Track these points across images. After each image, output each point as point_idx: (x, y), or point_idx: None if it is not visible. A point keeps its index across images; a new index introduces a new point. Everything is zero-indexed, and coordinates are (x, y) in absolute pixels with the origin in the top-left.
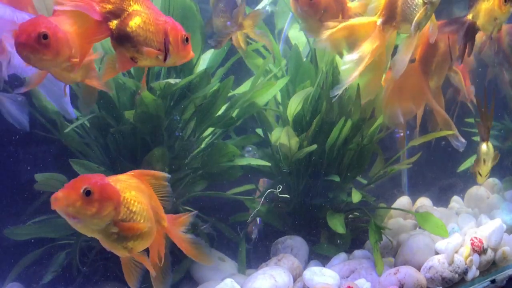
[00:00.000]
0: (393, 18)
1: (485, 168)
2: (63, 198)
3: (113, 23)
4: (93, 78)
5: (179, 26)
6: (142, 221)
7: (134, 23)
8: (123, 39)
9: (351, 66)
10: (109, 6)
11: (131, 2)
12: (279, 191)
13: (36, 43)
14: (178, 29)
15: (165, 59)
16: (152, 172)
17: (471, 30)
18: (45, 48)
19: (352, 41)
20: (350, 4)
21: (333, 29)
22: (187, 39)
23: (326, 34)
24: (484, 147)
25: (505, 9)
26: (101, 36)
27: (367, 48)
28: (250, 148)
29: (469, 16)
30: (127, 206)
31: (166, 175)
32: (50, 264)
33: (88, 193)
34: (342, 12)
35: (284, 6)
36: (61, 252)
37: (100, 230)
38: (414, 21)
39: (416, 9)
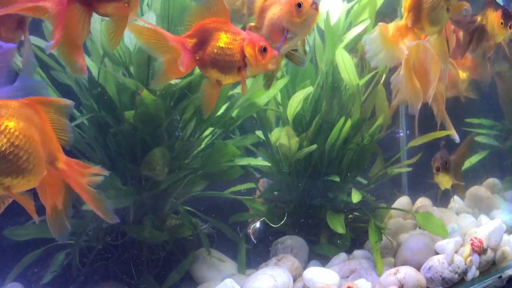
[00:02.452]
0: (419, 19)
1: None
2: None
3: (198, 54)
4: None
5: (256, 38)
6: (25, 157)
7: (215, 50)
8: (208, 66)
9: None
10: (194, 40)
11: (211, 31)
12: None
13: None
14: (254, 42)
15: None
16: (51, 99)
17: (479, 31)
18: None
19: (391, 51)
20: None
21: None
22: (265, 49)
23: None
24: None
25: (501, 31)
26: (189, 68)
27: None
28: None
29: (479, 18)
30: (7, 136)
31: (69, 102)
32: (50, 264)
33: None
34: None
35: None
36: (61, 252)
37: None
38: (440, 23)
39: (441, 10)
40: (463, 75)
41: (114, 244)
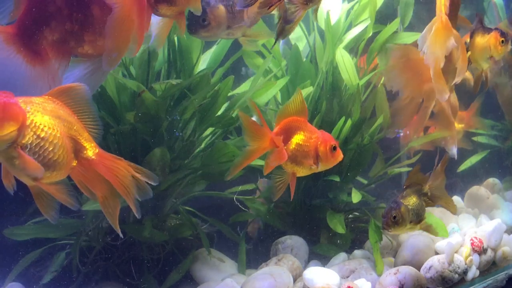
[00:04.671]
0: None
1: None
2: None
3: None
4: None
5: (328, 137)
6: (51, 148)
7: (295, 146)
8: (288, 159)
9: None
10: (282, 136)
11: (293, 129)
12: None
13: None
14: (326, 141)
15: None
16: (69, 85)
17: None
18: None
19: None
20: None
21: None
22: (334, 148)
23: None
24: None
25: (501, 49)
26: (280, 161)
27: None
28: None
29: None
30: (34, 130)
31: (84, 86)
32: (50, 264)
33: None
34: None
35: None
36: (61, 252)
37: (0, 152)
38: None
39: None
40: (459, 126)
41: (114, 244)
